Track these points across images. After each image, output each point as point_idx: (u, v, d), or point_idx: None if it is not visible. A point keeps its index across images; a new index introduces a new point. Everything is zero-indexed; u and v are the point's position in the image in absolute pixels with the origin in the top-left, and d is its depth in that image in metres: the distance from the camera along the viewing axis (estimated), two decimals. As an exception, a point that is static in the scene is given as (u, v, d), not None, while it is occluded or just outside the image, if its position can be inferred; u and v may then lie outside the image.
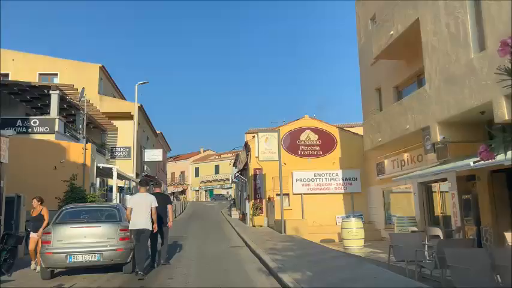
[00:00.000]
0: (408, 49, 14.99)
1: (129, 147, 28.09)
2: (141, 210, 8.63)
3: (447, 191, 14.48)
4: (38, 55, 29.55)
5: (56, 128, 18.66)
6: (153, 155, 31.74)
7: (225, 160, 77.32)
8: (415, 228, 12.23)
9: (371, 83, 20.06)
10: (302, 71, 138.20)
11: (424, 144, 13.24)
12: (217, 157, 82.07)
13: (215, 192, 75.69)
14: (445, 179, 14.21)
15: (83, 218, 8.98)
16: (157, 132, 41.73)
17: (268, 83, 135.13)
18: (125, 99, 32.82)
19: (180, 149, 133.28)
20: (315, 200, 20.63)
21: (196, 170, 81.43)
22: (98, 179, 19.19)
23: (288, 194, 20.86)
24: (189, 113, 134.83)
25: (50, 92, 19.09)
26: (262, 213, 20.47)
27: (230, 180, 44.11)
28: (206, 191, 79.74)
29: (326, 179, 21.05)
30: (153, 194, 9.86)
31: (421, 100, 13.20)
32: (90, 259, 8.36)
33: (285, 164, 20.69)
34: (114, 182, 19.19)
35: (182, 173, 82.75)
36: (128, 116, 28.51)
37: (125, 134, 28.23)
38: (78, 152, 18.02)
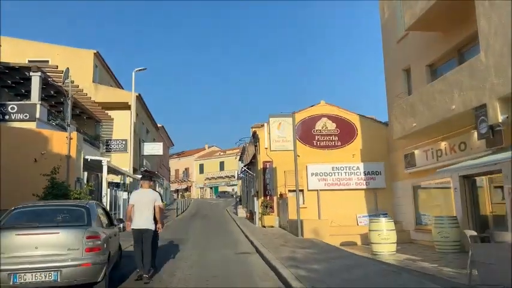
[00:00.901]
0: (450, 16, 12.44)
1: (126, 140, 25.73)
2: (143, 208, 7.83)
3: (499, 186, 11.95)
4: (28, 40, 27.23)
5: (37, 115, 16.30)
6: (153, 148, 29.38)
7: (230, 156, 75.42)
8: (473, 232, 9.69)
9: (397, 63, 17.51)
10: (305, 62, 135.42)
11: (478, 127, 10.69)
12: (222, 153, 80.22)
13: (220, 189, 73.93)
14: (497, 171, 11.64)
15: (34, 222, 6.55)
16: (159, 125, 39.35)
17: (276, 74, 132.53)
18: (123, 89, 30.39)
19: (185, 146, 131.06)
20: (332, 197, 18.13)
21: (201, 166, 79.44)
22: (86, 173, 16.90)
23: (302, 191, 18.38)
24: (192, 109, 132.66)
25: (31, 73, 16.72)
26: (272, 212, 18.01)
27: (236, 176, 41.68)
28: (211, 188, 77.85)
29: (345, 173, 18.54)
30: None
31: (474, 73, 10.64)
32: (43, 279, 5.95)
33: (298, 156, 18.21)
34: (104, 177, 16.82)
35: (186, 169, 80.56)
36: (125, 106, 26.13)
37: (122, 125, 25.88)
38: (63, 142, 15.63)
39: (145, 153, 29.20)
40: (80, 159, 16.08)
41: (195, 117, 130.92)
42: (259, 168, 18.67)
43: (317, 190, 18.22)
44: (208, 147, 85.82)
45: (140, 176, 24.44)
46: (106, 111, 25.59)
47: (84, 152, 16.46)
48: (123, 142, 25.82)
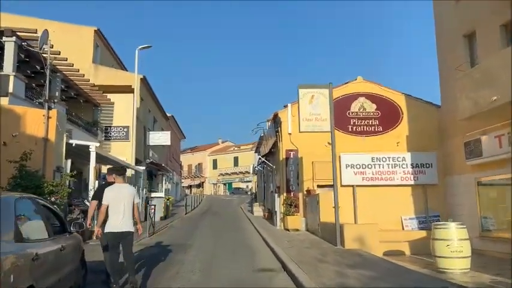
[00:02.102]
0: None
1: (128, 127, 22.68)
2: (121, 207, 6.35)
3: None
4: (20, 16, 24.31)
5: (10, 89, 13.25)
6: (160, 138, 26.29)
7: (244, 152, 72.92)
8: None
9: (455, 28, 13.94)
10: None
11: None
12: (236, 148, 77.85)
13: (234, 185, 71.49)
14: None
15: None
16: (168, 115, 36.31)
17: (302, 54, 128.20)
18: (127, 71, 27.29)
19: (198, 141, 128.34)
20: (372, 195, 14.68)
21: (214, 162, 77.08)
22: (70, 161, 13.88)
23: (333, 186, 15.01)
24: (206, 103, 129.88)
25: (4, 39, 13.69)
26: (298, 212, 14.65)
27: (251, 170, 38.42)
28: (224, 184, 75.33)
29: (388, 165, 15.06)
30: (107, 184, 7.10)
31: None
32: None
33: (328, 144, 14.82)
34: (91, 166, 13.71)
35: (199, 165, 77.97)
36: (128, 90, 23.03)
37: (125, 111, 22.83)
38: (40, 121, 12.58)
39: (151, 143, 26.13)
40: (61, 144, 12.98)
41: (209, 111, 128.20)
42: (280, 159, 15.33)
43: (353, 186, 14.82)
44: (222, 142, 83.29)
45: (142, 168, 21.42)
46: (106, 95, 22.60)
47: (76, 138, 13.38)
48: (125, 129, 22.79)
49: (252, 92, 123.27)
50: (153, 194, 26.23)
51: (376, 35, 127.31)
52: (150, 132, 26.51)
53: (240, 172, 72.54)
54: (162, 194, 26.30)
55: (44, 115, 12.43)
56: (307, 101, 10.60)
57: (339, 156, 14.97)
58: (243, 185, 70.79)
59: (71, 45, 23.00)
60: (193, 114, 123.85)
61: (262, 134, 22.22)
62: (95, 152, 13.58)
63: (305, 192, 14.72)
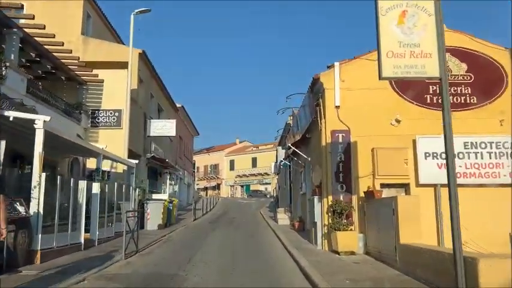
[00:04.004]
0: None
1: (120, 110, 18.06)
2: None
3: None
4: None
5: None
6: (163, 127, 21.59)
7: (263, 152, 68.79)
8: None
9: None
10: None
11: None
12: (254, 149, 73.71)
13: (252, 188, 67.22)
14: None
15: None
16: (178, 106, 31.65)
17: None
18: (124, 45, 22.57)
19: (215, 141, 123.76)
20: (466, 198, 9.43)
21: (232, 162, 72.87)
22: (3, 142, 9.27)
23: (405, 185, 9.93)
24: (224, 101, 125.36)
25: None
26: (352, 223, 9.55)
27: (272, 169, 33.44)
28: (242, 186, 71.02)
29: (490, 153, 9.85)
30: None
31: None
32: None
33: (397, 122, 9.81)
34: (36, 152, 8.87)
35: (215, 165, 73.72)
36: (122, 67, 18.41)
37: (117, 92, 18.23)
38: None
39: (152, 134, 21.46)
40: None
41: (226, 110, 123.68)
42: (323, 144, 10.29)
43: (435, 185, 9.66)
44: (240, 142, 78.94)
45: (134, 162, 16.69)
46: (93, 70, 18.06)
47: (50, 122, 8.72)
48: (116, 114, 18.16)
49: (272, 90, 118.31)
50: (154, 196, 21.56)
51: None
52: (152, 120, 21.83)
53: (258, 173, 68.33)
54: (164, 196, 21.58)
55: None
56: (394, 20, 5.57)
57: (414, 141, 9.84)
58: (261, 187, 66.29)
59: (58, 14, 18.62)
60: (210, 113, 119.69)
61: (290, 115, 17.25)
62: (42, 130, 8.82)
63: (366, 194, 9.62)
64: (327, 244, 9.97)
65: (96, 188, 11.76)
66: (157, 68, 24.87)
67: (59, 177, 9.53)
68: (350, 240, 9.14)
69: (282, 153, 20.16)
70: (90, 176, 16.83)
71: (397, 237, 7.48)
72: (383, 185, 9.76)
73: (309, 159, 12.83)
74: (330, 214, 9.82)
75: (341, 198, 9.87)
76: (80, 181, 10.94)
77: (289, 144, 13.11)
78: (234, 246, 12.00)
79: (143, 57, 20.72)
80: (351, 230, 9.41)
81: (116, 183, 13.52)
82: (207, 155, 75.91)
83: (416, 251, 6.66)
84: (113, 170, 17.61)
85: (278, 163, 19.98)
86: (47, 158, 13.48)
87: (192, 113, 66.38)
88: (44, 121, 8.94)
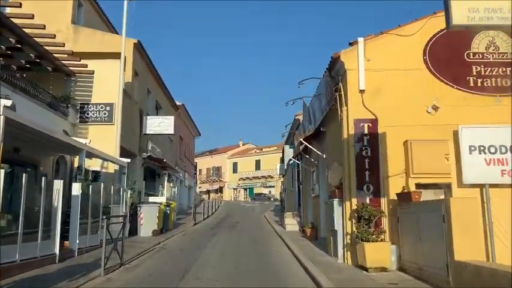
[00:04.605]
0: None
1: (112, 104, 16.40)
2: None
3: None
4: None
5: None
6: (160, 124, 19.89)
7: (267, 154, 67.58)
8: None
9: None
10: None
11: None
12: (258, 151, 72.47)
13: (255, 191, 65.84)
14: None
15: None
16: (178, 104, 29.99)
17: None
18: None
19: (217, 143, 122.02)
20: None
21: (235, 165, 71.45)
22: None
23: (447, 185, 8.17)
24: (227, 103, 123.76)
25: None
26: (382, 232, 7.77)
27: (278, 171, 31.68)
28: (245, 189, 69.51)
29: (550, 147, 8.07)
30: None
31: None
32: None
33: (434, 109, 8.10)
34: (-5, 142, 7.26)
35: (218, 168, 72.16)
36: (115, 57, 16.79)
37: (109, 84, 16.58)
38: None
39: (148, 131, 19.77)
40: None
41: (229, 112, 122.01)
42: (344, 137, 8.54)
43: (482, 185, 7.90)
44: (243, 144, 77.43)
45: (125, 161, 15.02)
46: (82, 60, 16.42)
47: (31, 116, 7.05)
48: (108, 108, 16.49)
49: (276, 91, 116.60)
50: (151, 199, 19.88)
51: None
52: (148, 117, 20.14)
53: (262, 176, 66.86)
54: (162, 199, 19.90)
55: None
56: None
57: (456, 131, 8.10)
58: (265, 191, 64.73)
59: (47, 3, 17.11)
60: (212, 115, 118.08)
61: (297, 114, 15.56)
62: (2, 117, 7.16)
63: (394, 197, 7.89)
64: (349, 257, 8.21)
65: (76, 189, 10.08)
66: (160, 70, 23.26)
67: (24, 175, 7.84)
68: (381, 253, 7.39)
69: (289, 152, 18.43)
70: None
71: (450, 251, 5.73)
72: (418, 186, 8.02)
73: (324, 156, 11.09)
74: (354, 220, 8.07)
75: (367, 201, 8.12)
76: (55, 181, 9.26)
77: (301, 140, 11.36)
78: (237, 257, 10.28)
79: (139, 48, 19.08)
80: (382, 240, 7.65)
81: (102, 184, 11.84)
82: (209, 157, 74.48)
83: (482, 272, 4.91)
84: (103, 170, 15.95)
85: (287, 163, 18.17)
86: (24, 156, 11.89)
87: (194, 114, 64.92)
88: (5, 106, 7.27)
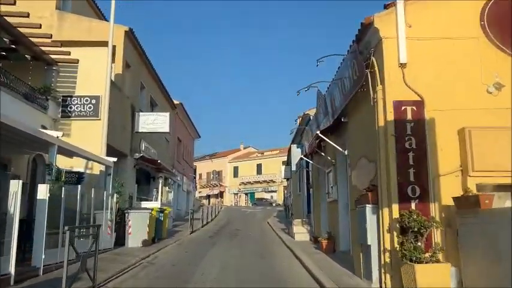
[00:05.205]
0: None
1: (98, 97, 14.53)
2: None
3: None
4: None
5: None
6: (154, 121, 18.00)
7: (268, 158, 66.05)
8: None
9: None
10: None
11: None
12: (259, 155, 70.75)
13: (256, 196, 64.14)
14: None
15: None
16: (176, 102, 28.14)
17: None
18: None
19: (218, 148, 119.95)
20: None
21: (235, 169, 69.74)
22: None
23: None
24: (228, 107, 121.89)
25: None
26: (440, 250, 5.81)
27: (283, 173, 29.72)
28: (246, 194, 67.78)
29: None
30: None
31: None
32: None
33: (497, 88, 6.11)
34: None
35: (219, 172, 70.31)
36: (103, 45, 14.94)
37: (95, 76, 14.72)
38: None
39: (141, 129, 17.88)
40: None
41: (230, 114, 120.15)
42: (380, 124, 6.60)
43: None
44: (244, 148, 75.67)
45: (111, 161, 13.10)
46: (66, 50, 14.57)
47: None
48: (93, 101, 14.61)
49: (278, 93, 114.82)
50: (144, 204, 17.96)
51: None
52: (141, 113, 18.24)
53: (263, 181, 65.10)
54: (155, 204, 17.97)
55: None
56: None
57: (527, 116, 6.19)
58: (267, 195, 62.82)
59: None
60: (213, 119, 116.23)
61: (305, 112, 13.64)
62: None
63: (451, 203, 5.96)
64: (389, 280, 6.26)
65: (42, 191, 8.15)
66: (160, 71, 21.40)
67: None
68: (438, 277, 5.43)
69: (297, 152, 16.52)
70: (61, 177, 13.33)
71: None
72: (479, 186, 6.09)
73: (346, 152, 9.16)
74: (396, 233, 6.13)
75: (412, 208, 6.19)
76: (12, 182, 7.33)
77: (318, 133, 9.42)
78: (240, 274, 8.36)
79: (130, 36, 17.24)
80: (437, 260, 5.69)
81: (79, 186, 9.91)
82: (209, 161, 72.72)
83: None
84: (88, 171, 14.05)
85: (296, 163, 16.23)
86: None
87: (194, 117, 63.05)
88: None
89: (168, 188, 23.80)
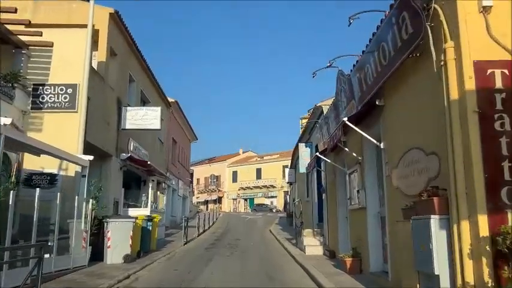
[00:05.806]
0: None
1: (75, 86, 12.41)
2: None
3: None
4: None
5: None
6: (143, 117, 15.86)
7: (268, 163, 64.36)
8: None
9: None
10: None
11: None
12: (259, 159, 68.73)
13: (256, 201, 62.22)
14: None
15: None
16: (170, 100, 26.00)
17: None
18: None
19: (216, 152, 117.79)
20: None
21: (234, 174, 67.85)
22: None
23: None
24: (227, 111, 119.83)
25: None
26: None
27: (287, 177, 27.53)
28: (245, 199, 65.83)
29: None
30: None
31: None
32: None
33: None
34: None
35: (217, 177, 68.31)
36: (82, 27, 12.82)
37: (73, 63, 12.59)
38: None
39: (128, 126, 15.74)
40: None
41: (230, 117, 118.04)
42: (453, 97, 4.50)
43: None
44: (243, 152, 73.77)
45: (86, 159, 10.91)
46: (37, 30, 12.46)
47: None
48: (69, 90, 12.48)
49: (277, 97, 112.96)
50: (132, 211, 15.82)
51: None
52: (128, 107, 16.10)
53: (263, 186, 63.24)
54: (145, 211, 15.82)
55: None
56: None
57: None
58: (267, 201, 60.76)
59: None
60: (212, 122, 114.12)
61: (317, 105, 11.52)
62: None
63: None
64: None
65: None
66: (159, 71, 19.33)
67: None
68: None
69: (306, 152, 14.42)
70: (30, 180, 11.21)
71: None
72: None
73: (381, 145, 7.03)
74: (486, 261, 3.99)
75: (510, 219, 4.06)
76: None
77: (345, 119, 7.28)
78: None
79: (116, 20, 15.14)
80: None
81: (37, 190, 7.74)
82: (208, 165, 70.74)
83: None
84: (62, 173, 11.87)
85: (308, 163, 14.06)
86: None
87: (192, 120, 61.02)
88: None
89: (161, 192, 21.59)
